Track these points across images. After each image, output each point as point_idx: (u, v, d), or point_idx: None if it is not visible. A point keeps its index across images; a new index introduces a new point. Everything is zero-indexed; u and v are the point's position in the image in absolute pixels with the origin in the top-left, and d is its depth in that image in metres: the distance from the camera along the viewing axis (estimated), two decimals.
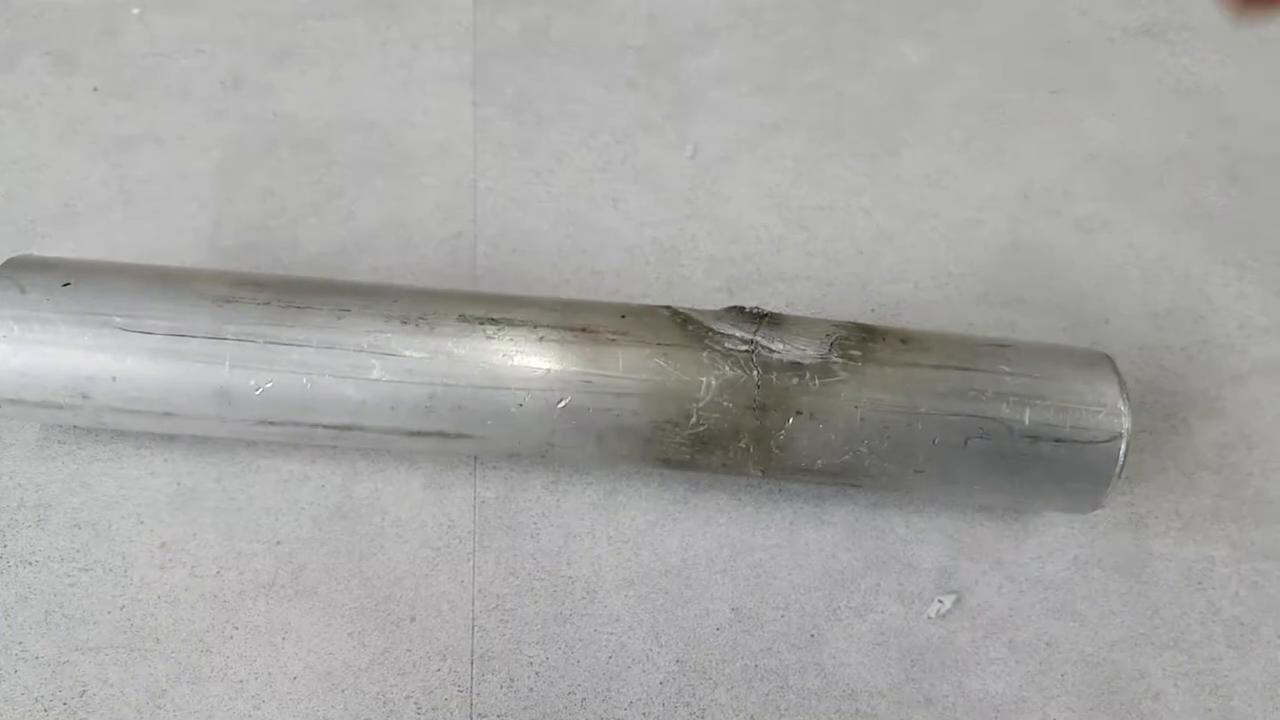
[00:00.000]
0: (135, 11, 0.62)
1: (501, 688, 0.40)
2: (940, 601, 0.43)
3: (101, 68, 0.59)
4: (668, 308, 0.41)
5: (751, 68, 0.61)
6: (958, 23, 0.65)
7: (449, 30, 0.62)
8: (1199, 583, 0.44)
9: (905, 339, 0.40)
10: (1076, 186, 0.57)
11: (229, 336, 0.39)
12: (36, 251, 0.51)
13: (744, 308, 0.40)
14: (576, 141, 0.57)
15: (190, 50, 0.60)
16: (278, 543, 0.43)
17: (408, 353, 0.39)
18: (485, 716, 0.39)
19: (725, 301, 0.51)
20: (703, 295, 0.52)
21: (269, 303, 0.40)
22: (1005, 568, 0.44)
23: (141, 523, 0.44)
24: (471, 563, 0.43)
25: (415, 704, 0.40)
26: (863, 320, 0.42)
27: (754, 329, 0.39)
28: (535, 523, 0.44)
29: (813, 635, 0.42)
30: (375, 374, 0.39)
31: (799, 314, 0.41)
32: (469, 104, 0.59)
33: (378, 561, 0.43)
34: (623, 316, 0.40)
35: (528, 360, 0.39)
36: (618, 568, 0.43)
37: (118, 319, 0.39)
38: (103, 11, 0.62)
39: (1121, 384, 0.39)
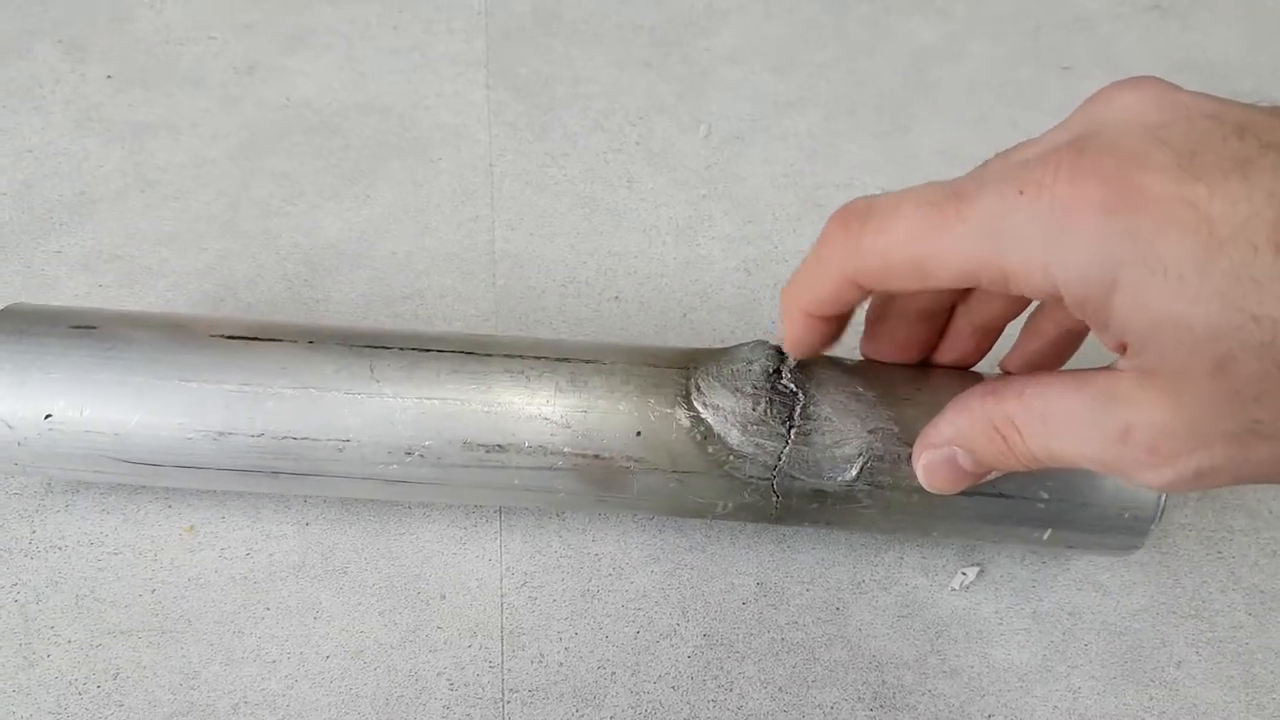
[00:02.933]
0: None
1: (532, 663, 0.41)
2: (964, 574, 0.43)
3: (114, 55, 0.59)
4: (689, 406, 0.37)
5: (764, 46, 0.61)
6: (968, 0, 0.66)
7: (461, 13, 0.62)
8: (1218, 552, 0.45)
9: None
10: None
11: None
12: (54, 238, 0.52)
13: (779, 387, 0.37)
14: (590, 123, 0.58)
15: (203, 37, 0.60)
16: (306, 524, 0.44)
17: (414, 482, 0.39)
18: (517, 691, 0.40)
19: (744, 281, 0.51)
20: (720, 274, 0.52)
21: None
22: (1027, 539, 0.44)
23: (169, 506, 0.44)
24: (499, 541, 0.43)
25: (448, 680, 0.40)
26: None
27: (782, 444, 0.37)
28: None
29: (838, 608, 0.42)
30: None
31: (838, 395, 0.37)
32: (483, 87, 0.59)
33: (406, 541, 0.43)
34: (638, 434, 0.38)
35: (540, 483, 0.39)
36: (643, 544, 0.44)
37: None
38: None
39: (1158, 509, 0.38)
